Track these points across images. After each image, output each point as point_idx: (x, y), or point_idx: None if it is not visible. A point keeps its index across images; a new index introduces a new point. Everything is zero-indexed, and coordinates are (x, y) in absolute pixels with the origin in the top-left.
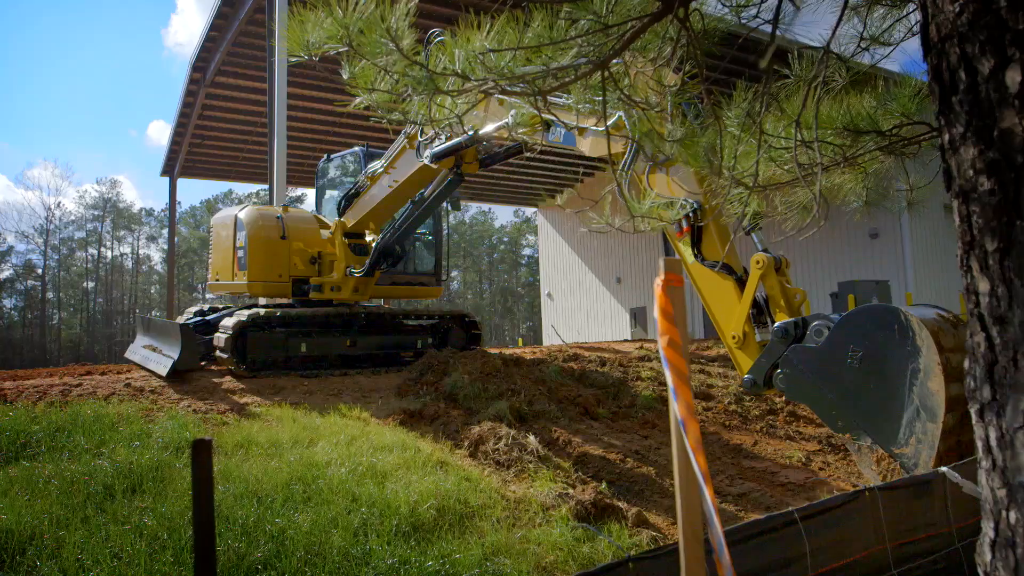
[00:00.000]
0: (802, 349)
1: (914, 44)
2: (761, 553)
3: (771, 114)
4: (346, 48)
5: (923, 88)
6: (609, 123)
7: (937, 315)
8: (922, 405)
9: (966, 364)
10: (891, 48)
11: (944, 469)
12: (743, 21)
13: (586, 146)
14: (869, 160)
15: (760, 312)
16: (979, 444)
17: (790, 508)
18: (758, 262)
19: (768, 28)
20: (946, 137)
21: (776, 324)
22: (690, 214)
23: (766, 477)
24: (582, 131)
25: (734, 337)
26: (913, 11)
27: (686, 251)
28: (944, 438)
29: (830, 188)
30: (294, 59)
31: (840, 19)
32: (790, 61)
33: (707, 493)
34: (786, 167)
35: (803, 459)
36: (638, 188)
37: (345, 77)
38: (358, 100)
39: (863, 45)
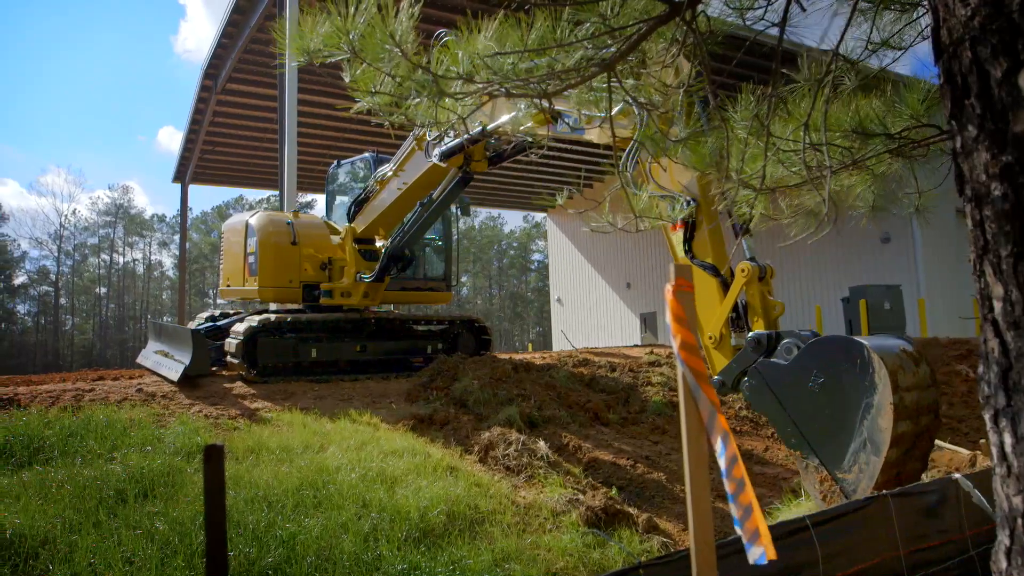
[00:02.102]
0: (770, 364)
1: (924, 46)
2: (773, 560)
3: (779, 116)
4: (348, 55)
5: (933, 90)
6: (615, 109)
7: (902, 351)
8: (869, 438)
9: (979, 369)
10: (901, 52)
11: (957, 476)
12: (749, 23)
13: (594, 134)
14: (877, 163)
15: (738, 316)
16: (993, 451)
17: (802, 514)
18: (743, 270)
19: (774, 31)
20: (958, 141)
21: (750, 333)
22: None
23: (777, 483)
24: (589, 119)
25: (711, 337)
26: (923, 15)
27: (678, 246)
28: (885, 470)
29: (838, 191)
30: (295, 64)
31: (849, 22)
32: (799, 64)
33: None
34: (794, 169)
35: None
36: (645, 180)
37: (347, 81)
38: (359, 104)
39: (871, 48)
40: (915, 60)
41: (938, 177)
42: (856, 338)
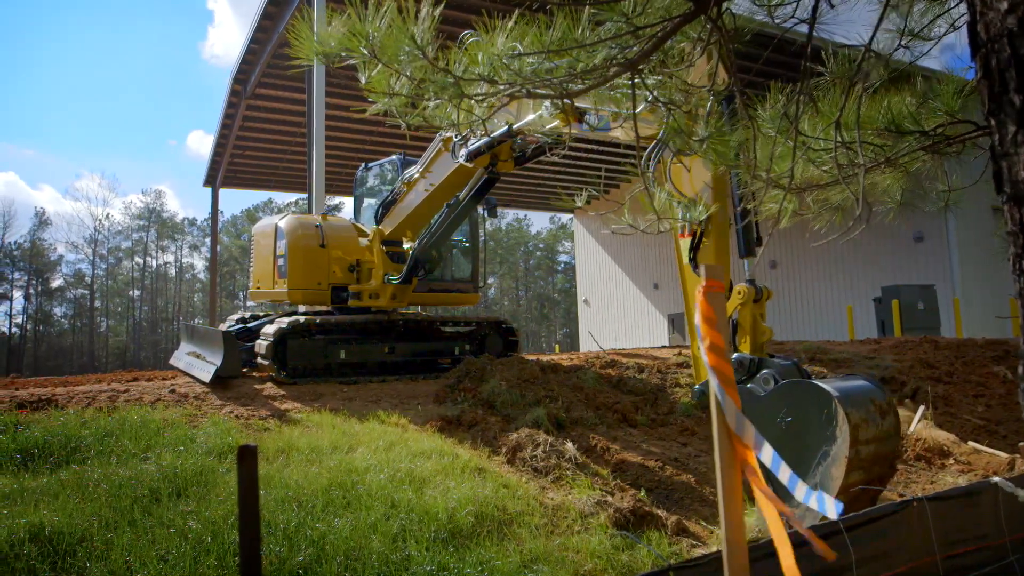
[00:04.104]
0: (747, 391)
1: (952, 38)
2: (804, 563)
3: (807, 114)
4: (367, 57)
5: (967, 85)
6: (640, 107)
7: (871, 402)
8: (821, 482)
9: (1019, 371)
10: (932, 44)
11: (996, 479)
12: (777, 21)
13: (618, 132)
14: (911, 160)
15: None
16: None
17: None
18: (740, 292)
19: (802, 27)
20: (996, 138)
21: (735, 355)
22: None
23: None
24: (614, 117)
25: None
26: (955, 6)
27: (684, 252)
28: None
29: (867, 188)
30: (306, 66)
31: (882, 17)
32: (826, 60)
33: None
34: (824, 168)
35: None
36: (664, 181)
37: (363, 82)
38: (376, 106)
39: (905, 44)
40: (948, 54)
41: (971, 171)
42: (827, 387)
